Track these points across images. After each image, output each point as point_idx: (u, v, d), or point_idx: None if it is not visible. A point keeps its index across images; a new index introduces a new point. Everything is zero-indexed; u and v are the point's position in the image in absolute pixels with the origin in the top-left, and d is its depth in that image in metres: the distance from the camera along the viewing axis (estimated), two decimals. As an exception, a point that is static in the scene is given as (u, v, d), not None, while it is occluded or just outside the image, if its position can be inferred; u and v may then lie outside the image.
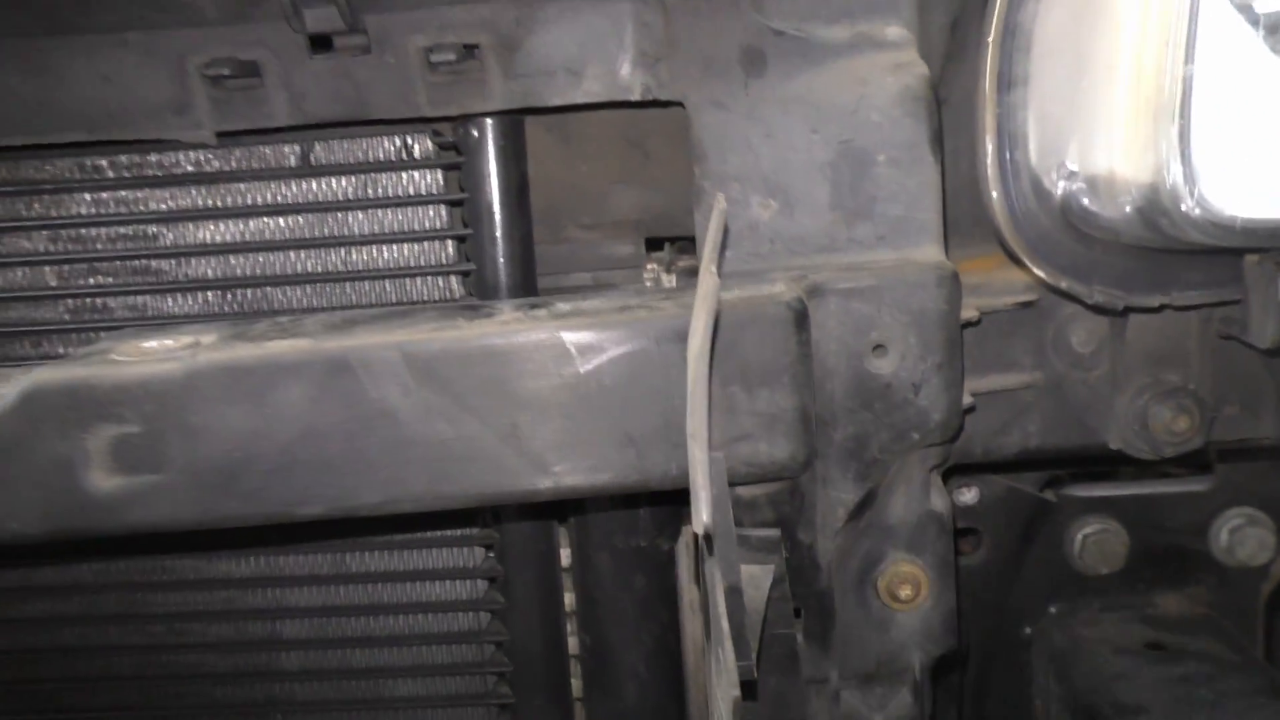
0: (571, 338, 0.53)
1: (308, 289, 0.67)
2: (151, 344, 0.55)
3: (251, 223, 0.67)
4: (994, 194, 0.58)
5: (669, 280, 0.71)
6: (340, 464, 0.53)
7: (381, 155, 0.67)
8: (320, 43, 0.62)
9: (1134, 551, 0.88)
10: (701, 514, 0.41)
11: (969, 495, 0.87)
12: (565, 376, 0.53)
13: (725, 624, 0.45)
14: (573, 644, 0.72)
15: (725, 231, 0.48)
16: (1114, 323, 0.67)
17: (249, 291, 0.67)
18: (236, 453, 0.52)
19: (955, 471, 0.75)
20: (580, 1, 0.61)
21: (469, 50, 0.61)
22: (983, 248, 0.71)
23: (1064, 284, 0.60)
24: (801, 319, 0.55)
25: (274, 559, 0.70)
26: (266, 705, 0.72)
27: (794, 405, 0.55)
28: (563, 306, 0.56)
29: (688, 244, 0.73)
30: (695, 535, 0.46)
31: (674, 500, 0.65)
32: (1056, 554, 0.89)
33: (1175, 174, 0.51)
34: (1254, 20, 0.54)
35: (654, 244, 0.75)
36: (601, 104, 0.62)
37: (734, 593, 0.48)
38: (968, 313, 0.63)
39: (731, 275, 0.62)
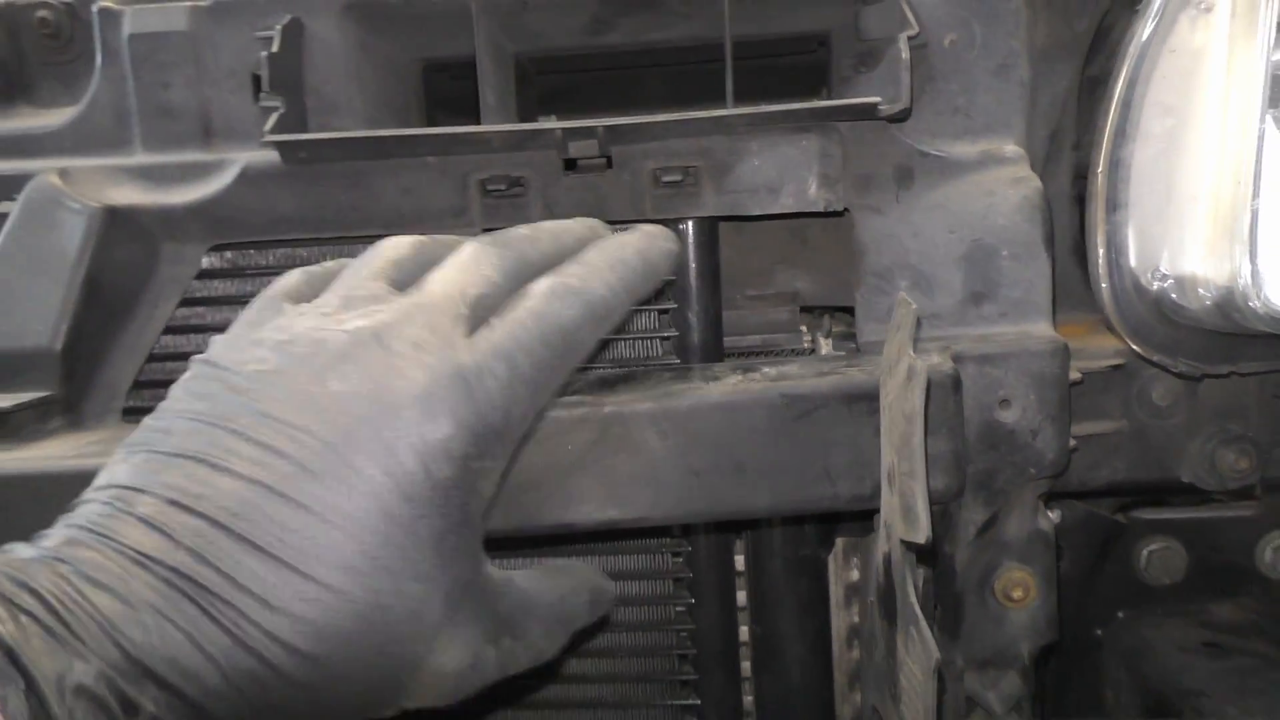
0: (784, 397, 0.71)
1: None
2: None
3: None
4: (1104, 286, 0.76)
5: (825, 344, 0.89)
6: (613, 488, 0.71)
7: (607, 245, 0.85)
8: (570, 164, 0.80)
9: (1191, 566, 1.04)
10: (923, 528, 0.58)
11: (1054, 517, 1.04)
12: (779, 426, 0.71)
13: (919, 610, 0.63)
14: (743, 634, 0.90)
15: (918, 321, 0.65)
16: (1188, 384, 0.84)
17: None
18: (536, 478, 0.70)
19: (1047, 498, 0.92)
20: (779, 137, 0.79)
21: (689, 170, 0.80)
22: (1071, 315, 0.89)
23: (1155, 357, 0.77)
24: (957, 384, 0.72)
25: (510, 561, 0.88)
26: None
27: (951, 449, 0.72)
28: (770, 371, 0.74)
29: (839, 312, 0.91)
30: (899, 542, 0.64)
31: (853, 518, 0.83)
32: (1125, 568, 1.06)
33: (1245, 279, 0.68)
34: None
35: (805, 310, 0.93)
36: (792, 214, 0.81)
37: (915, 587, 0.65)
38: (1073, 375, 0.80)
39: (883, 343, 0.80)
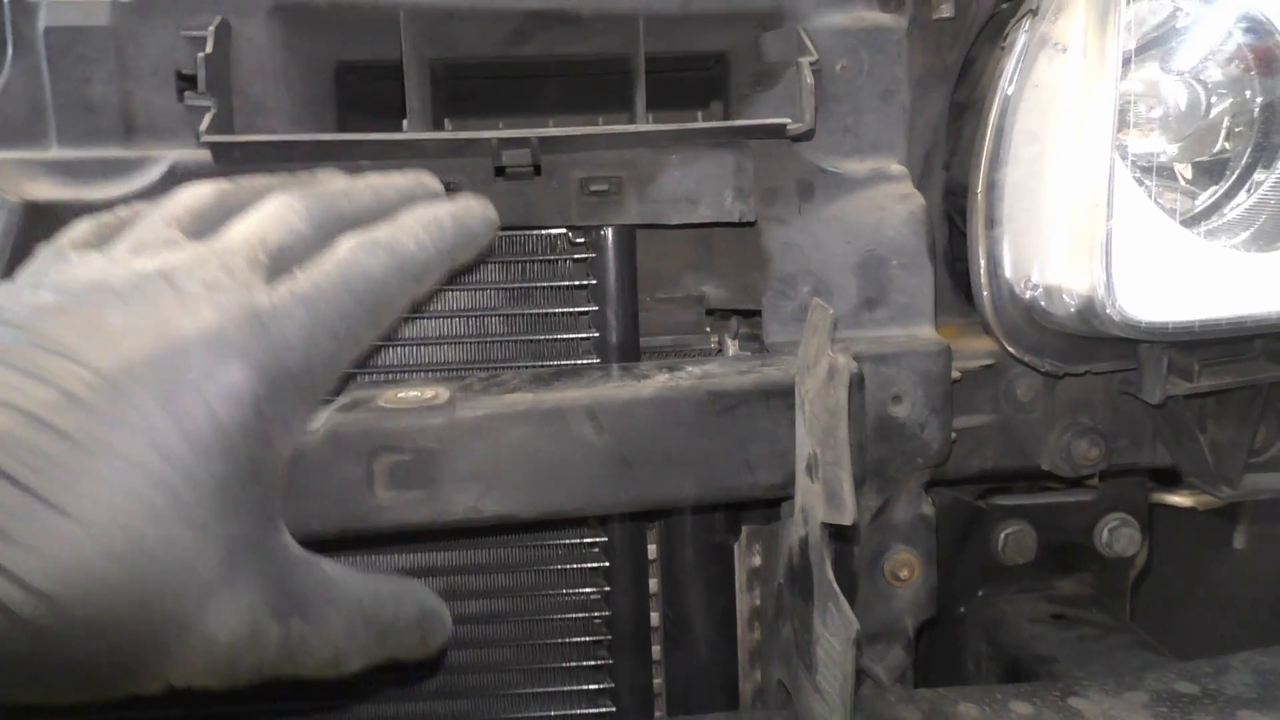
0: (710, 393, 0.77)
1: (470, 347, 0.89)
2: (405, 394, 0.76)
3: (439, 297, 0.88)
4: (984, 294, 0.86)
5: (732, 344, 0.96)
6: (549, 479, 0.75)
7: (530, 249, 0.89)
8: (500, 170, 0.84)
9: (1041, 547, 1.17)
10: (849, 511, 0.65)
11: (925, 504, 1.14)
12: (705, 420, 0.77)
13: (835, 585, 0.70)
14: (654, 619, 0.96)
15: (834, 324, 0.72)
16: (1046, 381, 0.95)
17: (425, 348, 0.88)
18: (478, 472, 0.74)
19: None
20: (698, 152, 0.85)
21: (614, 180, 0.85)
22: (941, 319, 0.98)
23: (1026, 358, 0.88)
24: (861, 381, 0.80)
25: (429, 554, 0.91)
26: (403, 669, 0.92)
27: (855, 441, 0.79)
28: (695, 370, 0.80)
29: (742, 315, 0.98)
30: (818, 526, 0.71)
31: (762, 506, 0.90)
32: (984, 549, 1.17)
33: (1101, 290, 0.79)
34: (1146, 170, 0.83)
35: (710, 312, 0.99)
36: (708, 224, 0.87)
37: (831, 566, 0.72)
38: (954, 374, 0.89)
39: (790, 343, 0.88)
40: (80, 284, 0.51)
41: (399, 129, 0.98)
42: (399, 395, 0.76)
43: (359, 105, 1.03)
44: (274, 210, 0.57)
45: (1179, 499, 1.23)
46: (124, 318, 0.49)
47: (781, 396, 0.78)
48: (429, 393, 0.76)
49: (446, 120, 1.12)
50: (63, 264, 0.54)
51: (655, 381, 0.77)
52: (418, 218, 0.62)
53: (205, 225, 0.57)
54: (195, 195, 0.60)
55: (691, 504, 0.79)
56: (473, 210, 0.67)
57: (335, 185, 0.62)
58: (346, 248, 0.57)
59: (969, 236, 0.86)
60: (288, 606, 0.53)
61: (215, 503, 0.49)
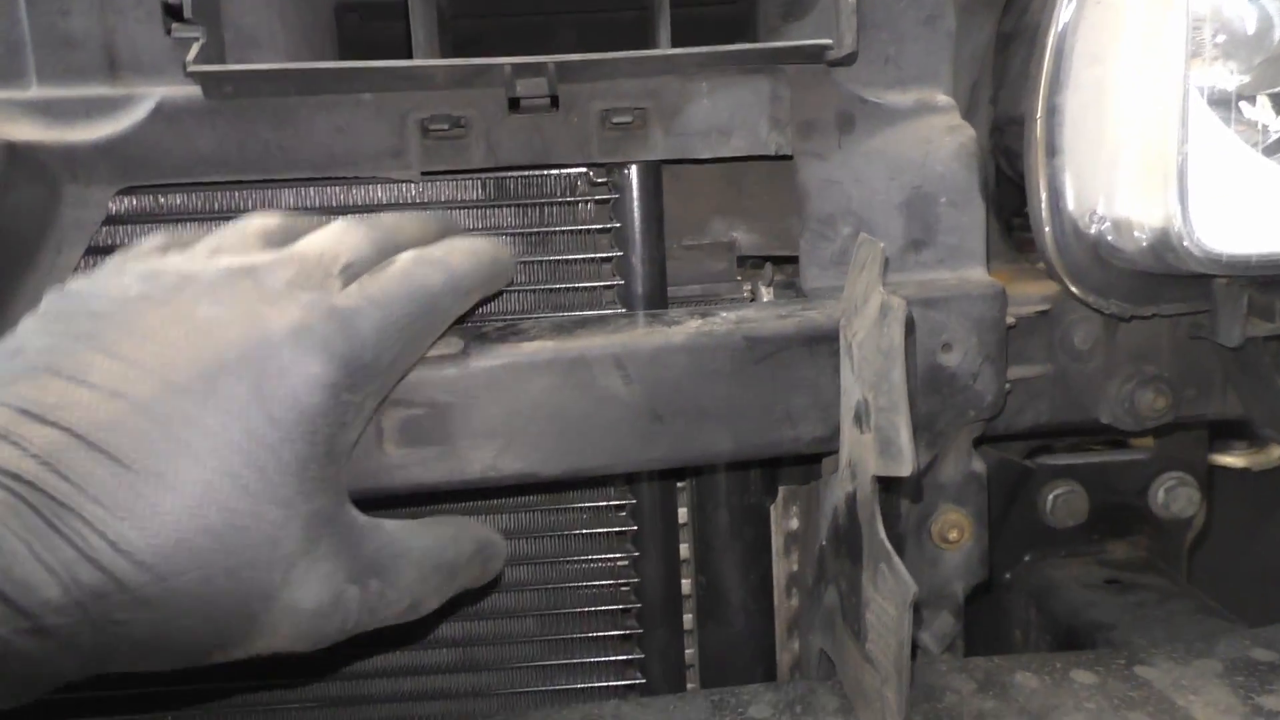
0: (747, 339, 0.71)
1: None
2: (418, 345, 0.70)
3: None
4: (1045, 230, 0.78)
5: (766, 293, 0.89)
6: (574, 434, 0.69)
7: (549, 191, 0.82)
8: (514, 104, 0.77)
9: (1093, 508, 1.10)
10: (907, 460, 0.59)
11: (973, 463, 1.08)
12: (742, 369, 0.71)
13: (889, 545, 0.63)
14: (685, 586, 0.90)
15: (886, 259, 0.66)
16: (1107, 326, 0.88)
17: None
18: (497, 429, 0.68)
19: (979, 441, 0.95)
20: (730, 79, 0.78)
21: (639, 112, 0.78)
22: (992, 262, 0.92)
23: (1091, 299, 0.80)
24: (912, 325, 0.73)
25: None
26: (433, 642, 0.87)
27: (911, 389, 0.73)
28: (730, 315, 0.74)
29: (778, 262, 0.91)
30: (868, 480, 0.64)
31: (801, 462, 0.83)
32: (1031, 512, 1.11)
33: (1177, 222, 0.72)
34: (1222, 104, 0.75)
35: (741, 260, 0.93)
36: (739, 158, 0.80)
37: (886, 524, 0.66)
38: (1008, 320, 0.82)
39: (831, 289, 0.81)
40: (168, 276, 0.55)
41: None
42: (409, 346, 0.70)
43: (359, 46, 0.97)
44: (338, 230, 0.62)
45: (1233, 460, 1.16)
46: (213, 309, 0.53)
47: (825, 342, 0.72)
48: (441, 342, 0.70)
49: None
50: (143, 261, 0.58)
51: (687, 328, 0.71)
52: (460, 244, 0.66)
53: (276, 243, 0.61)
54: (263, 221, 0.63)
55: (728, 460, 0.73)
56: (502, 251, 0.70)
57: (386, 216, 0.67)
58: (407, 261, 0.61)
59: (1026, 167, 0.79)
60: (364, 569, 0.57)
61: (298, 481, 0.53)
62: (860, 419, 0.66)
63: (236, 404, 0.51)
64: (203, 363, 0.51)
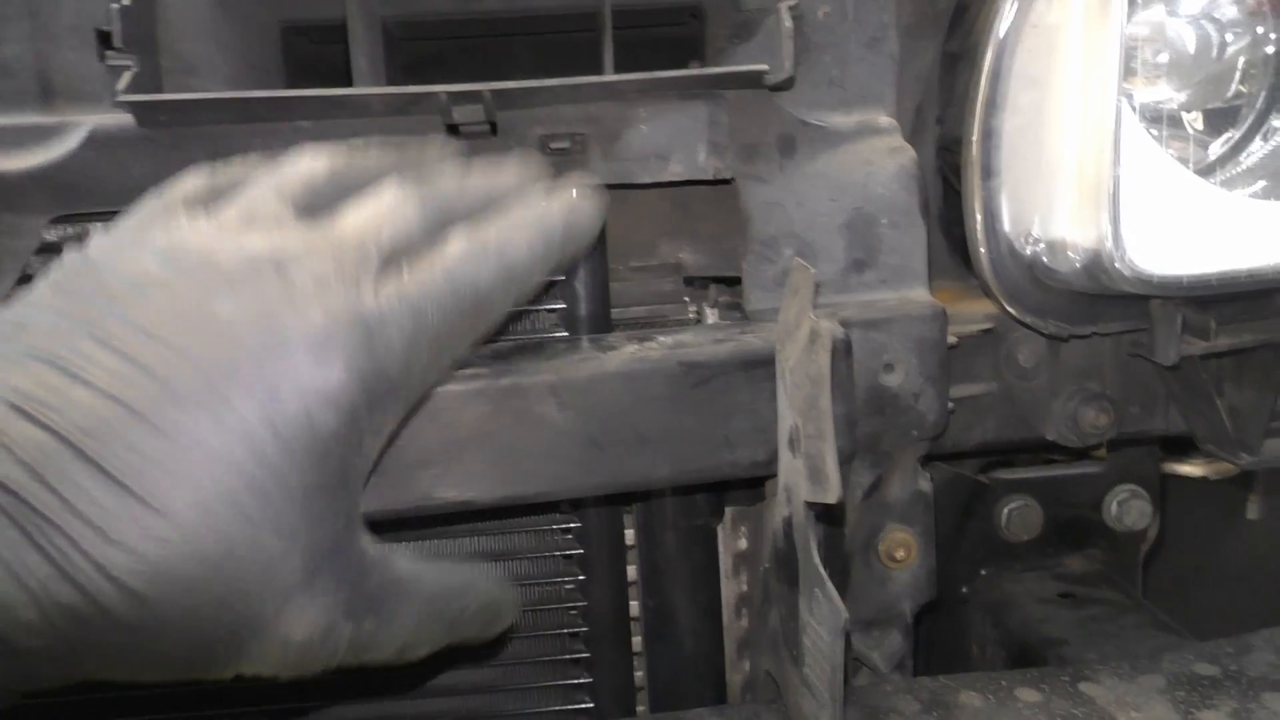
0: (683, 364, 0.71)
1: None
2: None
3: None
4: (982, 251, 0.79)
5: (712, 314, 0.89)
6: (511, 464, 0.69)
7: (491, 216, 0.82)
8: (453, 130, 0.77)
9: (1047, 522, 1.10)
10: (833, 488, 0.59)
11: (923, 480, 1.08)
12: (679, 394, 0.71)
13: (823, 572, 0.63)
14: (633, 609, 0.89)
15: (816, 285, 0.66)
16: (1051, 344, 0.88)
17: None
18: (431, 455, 0.68)
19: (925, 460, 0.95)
20: (668, 104, 0.78)
21: (578, 137, 0.78)
22: (937, 283, 0.92)
23: (1028, 319, 0.81)
24: (849, 348, 0.74)
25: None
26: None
27: (845, 412, 0.73)
28: (666, 339, 0.74)
29: (722, 283, 0.91)
30: (801, 505, 0.64)
31: (745, 486, 0.83)
32: (987, 526, 1.11)
33: (1109, 243, 0.72)
34: (1155, 120, 0.76)
35: (688, 281, 0.93)
36: (681, 182, 0.80)
37: (817, 549, 0.66)
38: (949, 339, 0.83)
39: (773, 310, 0.81)
40: (189, 257, 0.50)
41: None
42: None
43: (308, 70, 0.96)
44: (390, 202, 0.56)
45: (1190, 469, 1.16)
46: (231, 306, 0.49)
47: (762, 366, 0.72)
48: (376, 371, 0.70)
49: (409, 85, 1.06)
50: (171, 223, 0.53)
51: (623, 354, 0.71)
52: (530, 219, 0.59)
53: (319, 202, 0.56)
54: (310, 168, 0.57)
55: (667, 485, 0.73)
56: (584, 210, 0.63)
57: (450, 177, 0.60)
58: (457, 252, 0.55)
59: (964, 189, 0.79)
60: (363, 607, 0.53)
61: (304, 509, 0.49)
62: (793, 444, 0.66)
63: (243, 422, 0.47)
64: (211, 372, 0.47)
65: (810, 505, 0.64)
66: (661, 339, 0.73)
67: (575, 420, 0.69)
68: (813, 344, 0.62)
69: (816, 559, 0.64)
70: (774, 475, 0.73)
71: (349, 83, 0.85)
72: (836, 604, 0.61)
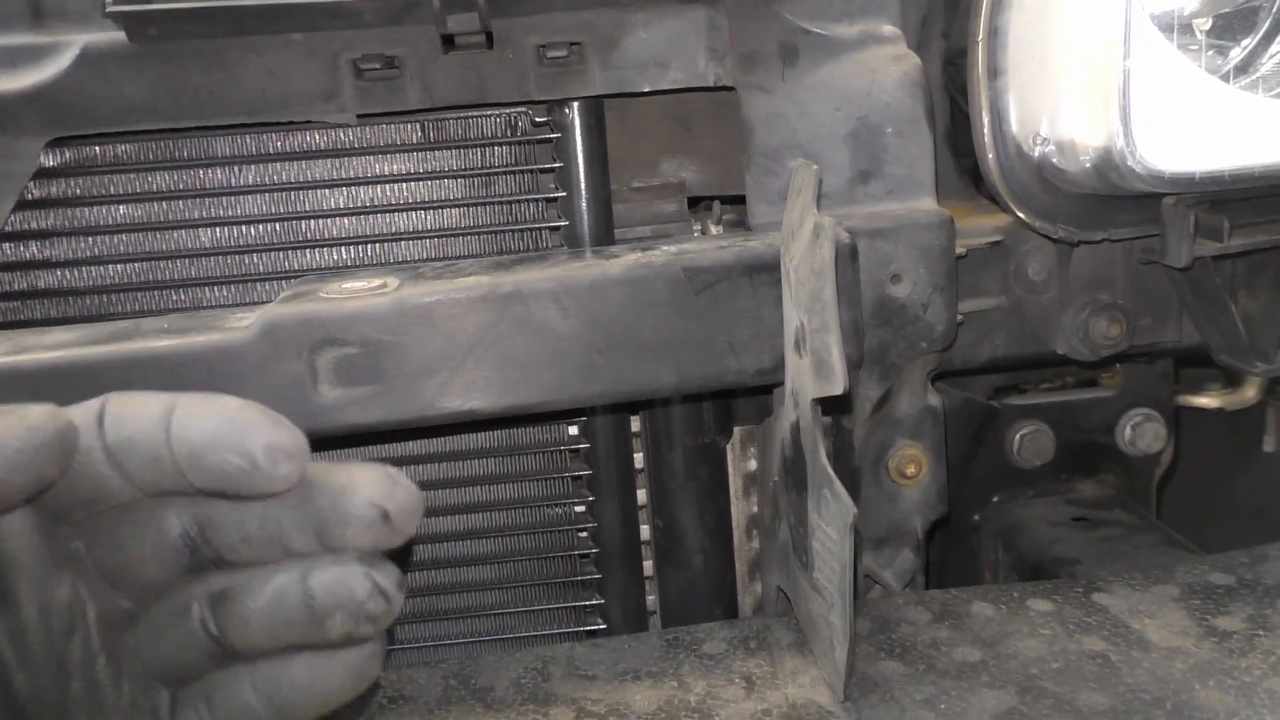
0: (687, 270, 0.70)
1: (428, 243, 0.81)
2: (352, 284, 0.69)
3: (380, 189, 0.81)
4: (989, 155, 0.77)
5: (716, 231, 0.88)
6: (514, 372, 0.68)
7: (489, 131, 0.81)
8: (449, 41, 0.76)
9: (1059, 447, 1.09)
10: (839, 379, 0.58)
11: (934, 402, 1.07)
12: (682, 300, 0.70)
13: (831, 471, 0.63)
14: (643, 530, 0.89)
15: (820, 182, 0.65)
16: (1061, 255, 0.87)
17: (379, 246, 0.81)
18: (433, 364, 0.67)
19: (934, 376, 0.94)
20: (666, 8, 0.77)
21: (575, 46, 0.77)
22: (947, 202, 0.90)
23: (1037, 224, 0.79)
24: (854, 252, 0.73)
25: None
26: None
27: (851, 318, 0.72)
28: (670, 248, 0.73)
29: (727, 201, 0.90)
30: (809, 407, 0.64)
31: (761, 392, 0.82)
32: (998, 452, 1.10)
33: (1120, 140, 0.71)
34: (1167, 28, 0.74)
35: (692, 202, 0.92)
36: (681, 90, 0.79)
37: (825, 450, 0.65)
38: (958, 250, 0.81)
39: (778, 223, 0.80)
40: None
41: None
42: (343, 286, 0.69)
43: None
44: None
45: (1205, 400, 1.15)
46: None
47: (766, 272, 0.71)
48: (376, 281, 0.69)
49: None
50: None
51: (625, 260, 0.70)
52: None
53: None
54: None
55: (672, 394, 0.72)
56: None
57: None
58: None
59: (969, 91, 0.78)
60: None
61: None
62: (799, 344, 0.65)
63: None
64: None
65: (817, 403, 0.63)
66: (665, 247, 0.72)
67: (578, 326, 0.68)
68: (816, 238, 0.61)
69: (824, 459, 0.63)
70: (780, 383, 0.72)
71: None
72: (845, 500, 0.60)
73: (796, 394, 0.67)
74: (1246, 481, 1.60)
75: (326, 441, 0.67)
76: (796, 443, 0.68)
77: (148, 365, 0.65)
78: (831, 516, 0.62)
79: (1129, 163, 0.70)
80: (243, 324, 0.66)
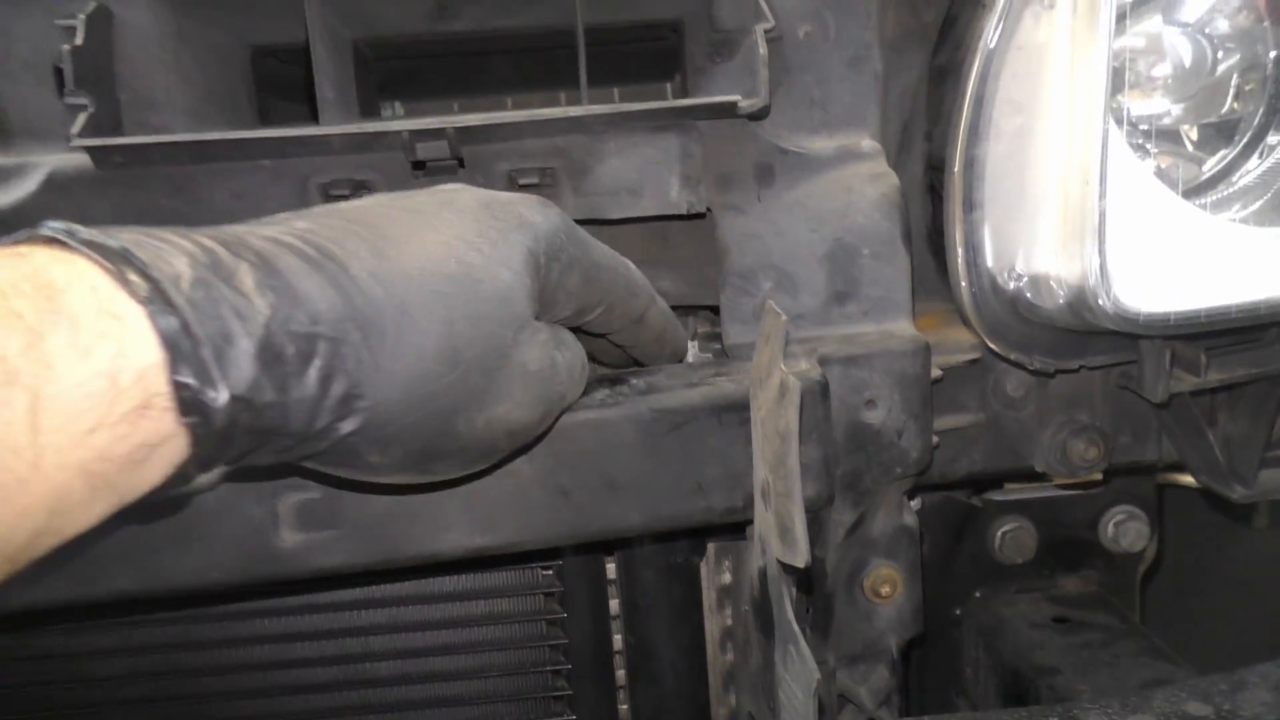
0: (655, 411, 0.69)
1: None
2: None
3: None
4: (963, 286, 0.77)
5: (692, 346, 0.87)
6: (481, 514, 0.67)
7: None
8: (419, 165, 0.75)
9: (1041, 544, 1.08)
10: (801, 553, 0.57)
11: (914, 504, 1.06)
12: (650, 440, 0.69)
13: (797, 628, 0.62)
14: (616, 643, 0.88)
15: (787, 332, 0.64)
16: (1040, 376, 0.86)
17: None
18: (396, 511, 0.66)
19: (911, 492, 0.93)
20: (638, 136, 0.76)
21: (546, 172, 0.76)
22: (927, 304, 0.89)
23: (1012, 355, 0.78)
24: (825, 390, 0.72)
25: (369, 589, 0.83)
26: (360, 709, 0.85)
27: (821, 456, 0.71)
28: (639, 383, 0.72)
29: (705, 312, 0.89)
30: (775, 559, 0.63)
31: (726, 531, 0.82)
32: (980, 548, 1.09)
33: (1095, 279, 0.70)
34: (1152, 150, 0.74)
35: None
36: (653, 217, 0.78)
37: (791, 603, 0.64)
38: (935, 373, 0.81)
39: (751, 345, 0.79)
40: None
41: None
42: (306, 424, 0.68)
43: (282, 91, 0.94)
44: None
45: (1190, 479, 1.14)
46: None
47: (735, 411, 0.70)
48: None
49: (385, 105, 1.03)
50: None
51: (593, 399, 0.69)
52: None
53: None
54: None
55: (640, 532, 0.71)
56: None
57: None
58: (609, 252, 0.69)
59: (944, 221, 0.77)
60: (558, 342, 0.63)
61: (522, 258, 0.58)
62: (765, 497, 0.64)
63: (473, 196, 0.60)
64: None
65: (785, 568, 0.62)
66: (635, 382, 0.71)
67: (543, 469, 0.67)
68: (782, 398, 0.60)
69: (790, 615, 0.62)
70: (750, 521, 0.71)
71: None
72: (810, 664, 0.59)
73: (764, 542, 0.66)
74: (1234, 557, 1.59)
75: (286, 586, 0.65)
76: (764, 586, 0.67)
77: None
78: (796, 674, 0.61)
79: (1102, 302, 0.70)
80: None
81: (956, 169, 0.76)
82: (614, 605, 0.87)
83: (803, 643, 0.60)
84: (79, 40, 0.70)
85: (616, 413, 0.68)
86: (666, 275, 0.88)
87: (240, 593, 0.74)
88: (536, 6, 0.88)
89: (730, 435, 0.70)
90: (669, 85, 1.05)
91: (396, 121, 0.71)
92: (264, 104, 0.92)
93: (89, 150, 0.69)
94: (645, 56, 1.02)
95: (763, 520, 0.65)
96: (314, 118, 0.83)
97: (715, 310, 0.86)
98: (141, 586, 0.65)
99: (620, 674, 0.88)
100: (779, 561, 0.62)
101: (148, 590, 0.64)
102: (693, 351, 0.87)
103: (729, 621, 0.90)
